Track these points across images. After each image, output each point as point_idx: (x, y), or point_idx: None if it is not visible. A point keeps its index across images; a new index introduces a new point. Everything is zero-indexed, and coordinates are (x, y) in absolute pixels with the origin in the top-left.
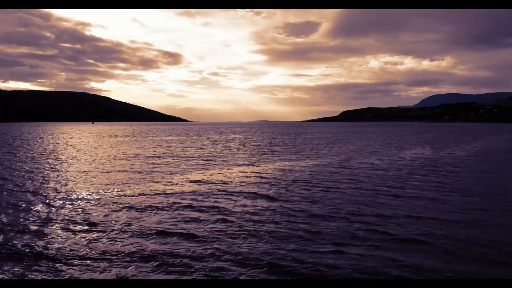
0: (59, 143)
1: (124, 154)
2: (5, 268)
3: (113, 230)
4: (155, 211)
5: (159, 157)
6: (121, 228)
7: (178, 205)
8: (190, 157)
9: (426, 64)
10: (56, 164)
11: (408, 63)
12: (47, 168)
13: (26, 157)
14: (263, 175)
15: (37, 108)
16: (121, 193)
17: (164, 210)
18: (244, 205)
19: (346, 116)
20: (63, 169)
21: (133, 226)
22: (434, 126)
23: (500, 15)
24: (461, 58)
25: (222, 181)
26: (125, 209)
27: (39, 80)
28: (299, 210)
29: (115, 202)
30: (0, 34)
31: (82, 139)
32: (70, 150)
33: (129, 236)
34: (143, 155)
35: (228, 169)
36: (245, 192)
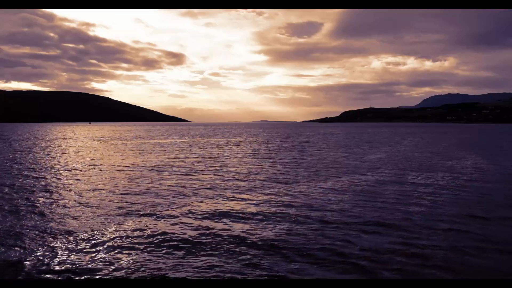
0: (24, 148)
1: (92, 160)
2: None
3: None
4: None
5: (139, 168)
6: None
7: None
8: (187, 168)
9: (428, 64)
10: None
11: (411, 63)
12: None
13: None
14: (313, 212)
15: (38, 109)
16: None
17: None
18: None
19: (347, 117)
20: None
21: None
22: (439, 127)
23: (503, 15)
24: (464, 58)
25: (238, 215)
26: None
27: (40, 81)
28: None
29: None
30: (4, 34)
31: (56, 141)
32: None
33: None
34: (112, 165)
35: (246, 192)
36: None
